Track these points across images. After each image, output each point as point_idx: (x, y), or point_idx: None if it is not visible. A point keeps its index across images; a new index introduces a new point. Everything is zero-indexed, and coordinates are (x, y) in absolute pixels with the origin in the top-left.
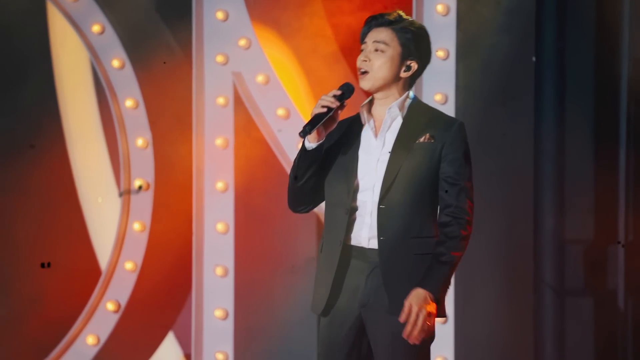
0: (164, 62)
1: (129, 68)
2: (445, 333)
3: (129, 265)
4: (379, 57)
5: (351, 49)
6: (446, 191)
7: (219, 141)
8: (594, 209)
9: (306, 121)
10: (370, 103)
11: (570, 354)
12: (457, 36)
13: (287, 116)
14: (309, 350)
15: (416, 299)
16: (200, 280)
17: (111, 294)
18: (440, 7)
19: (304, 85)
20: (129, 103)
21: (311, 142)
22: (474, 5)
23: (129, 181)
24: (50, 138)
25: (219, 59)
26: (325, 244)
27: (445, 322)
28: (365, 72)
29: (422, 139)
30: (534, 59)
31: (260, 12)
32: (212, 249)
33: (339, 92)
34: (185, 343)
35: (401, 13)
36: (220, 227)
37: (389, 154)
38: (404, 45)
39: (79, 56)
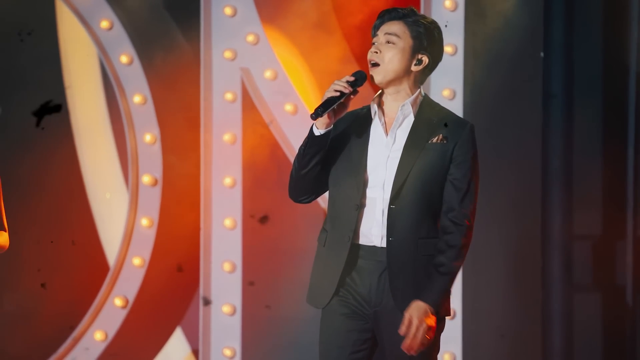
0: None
1: (137, 64)
2: (453, 328)
3: (136, 261)
4: (390, 49)
5: (359, 45)
6: (451, 194)
7: (227, 137)
8: (602, 205)
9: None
10: (380, 97)
11: (579, 349)
12: (465, 32)
13: (295, 112)
14: (317, 345)
15: (417, 312)
16: (208, 276)
17: (119, 289)
18: (448, 3)
19: (311, 81)
20: (137, 99)
21: (319, 128)
22: (482, 0)
23: (137, 177)
24: (59, 134)
25: (227, 54)
26: (330, 238)
27: (453, 317)
28: (375, 64)
29: (435, 140)
30: (542, 54)
31: (268, 7)
32: (220, 245)
33: (352, 78)
34: (193, 339)
35: (414, 9)
36: (228, 222)
37: (400, 152)
38: (415, 38)
39: (88, 52)
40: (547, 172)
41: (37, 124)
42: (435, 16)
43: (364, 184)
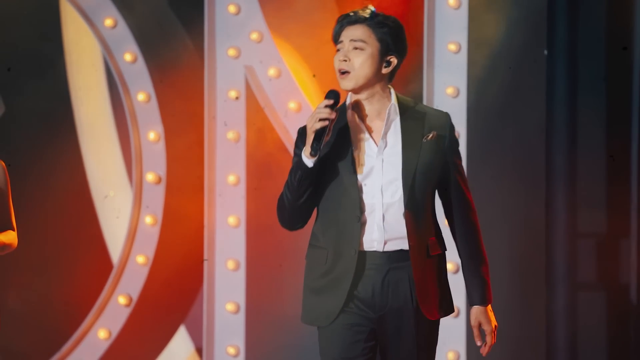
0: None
1: (141, 62)
2: (456, 327)
3: (140, 259)
4: (358, 55)
5: None
6: (459, 186)
7: (230, 134)
8: (606, 203)
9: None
10: (355, 103)
11: (583, 348)
12: (469, 29)
13: (299, 109)
14: None
15: (484, 317)
16: (212, 274)
17: (123, 287)
18: (452, 1)
19: (316, 78)
20: (141, 97)
21: (310, 158)
22: None
23: (141, 175)
24: (63, 132)
25: (231, 52)
26: (333, 254)
27: (457, 315)
28: (346, 72)
29: (429, 137)
30: (545, 52)
31: (272, 5)
32: (224, 243)
33: (331, 102)
34: (196, 337)
35: (372, 8)
36: (232, 220)
37: (398, 155)
38: (381, 40)
39: (92, 50)
40: (551, 170)
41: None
42: (439, 14)
43: (358, 192)
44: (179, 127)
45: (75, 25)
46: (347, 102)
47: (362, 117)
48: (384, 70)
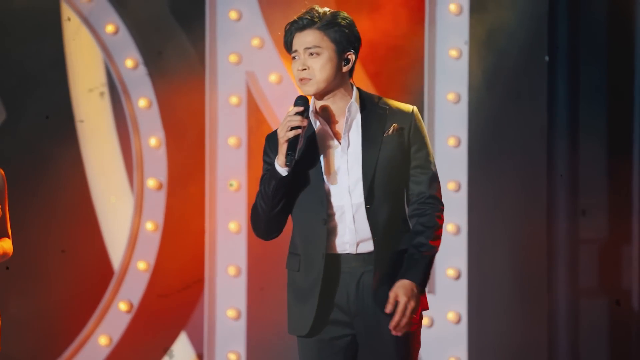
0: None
1: (142, 68)
2: (458, 333)
3: (141, 265)
4: (316, 60)
5: (364, 48)
6: (419, 180)
7: (231, 140)
8: (607, 209)
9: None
10: (317, 105)
11: (585, 355)
12: (470, 35)
13: None
14: None
15: (402, 290)
16: (213, 280)
17: (124, 294)
18: (452, 7)
19: None
20: (142, 103)
21: (283, 168)
22: (486, 4)
23: (142, 181)
24: (64, 138)
25: (232, 58)
26: (304, 259)
27: (458, 322)
28: (306, 79)
29: (390, 131)
30: (547, 58)
31: (273, 11)
32: (225, 249)
33: (301, 109)
34: (197, 343)
35: (316, 8)
36: (233, 226)
37: (359, 153)
38: (335, 41)
39: (93, 56)
40: (553, 176)
41: None
42: (440, 20)
43: (326, 195)
44: (180, 133)
45: (76, 31)
46: (311, 106)
47: (327, 118)
48: (344, 69)
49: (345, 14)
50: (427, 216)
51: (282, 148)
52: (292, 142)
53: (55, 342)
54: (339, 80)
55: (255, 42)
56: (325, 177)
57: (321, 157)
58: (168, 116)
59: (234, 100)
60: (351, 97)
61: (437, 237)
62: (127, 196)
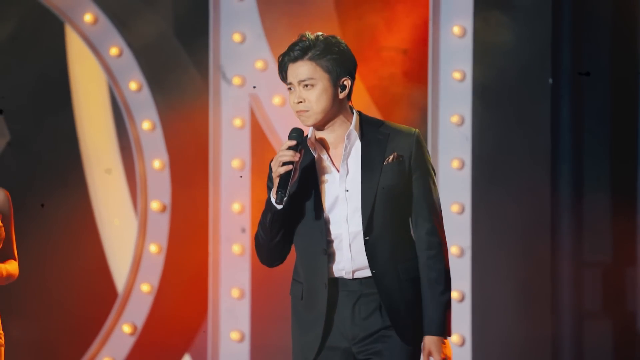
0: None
1: (146, 90)
2: (462, 355)
3: (145, 288)
4: (311, 92)
5: (367, 70)
6: (421, 208)
7: (235, 163)
8: (611, 231)
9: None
10: (316, 133)
11: None
12: (474, 58)
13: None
14: None
15: (434, 346)
16: (217, 302)
17: (127, 316)
18: (456, 29)
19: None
20: (146, 125)
21: (279, 201)
22: (490, 27)
23: (146, 203)
24: (68, 160)
25: (236, 81)
26: (307, 288)
27: (462, 344)
28: (303, 111)
29: (390, 159)
30: (550, 80)
31: (277, 34)
32: (229, 271)
33: (293, 143)
34: None
35: (308, 36)
36: (236, 249)
37: (358, 182)
38: (329, 70)
39: (97, 79)
40: (557, 198)
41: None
42: (443, 43)
43: (325, 224)
44: (183, 156)
45: (80, 54)
46: (310, 134)
47: (325, 146)
48: (341, 95)
49: (337, 39)
50: (436, 257)
51: (275, 182)
52: (284, 178)
53: None
54: (337, 107)
55: (259, 64)
56: (324, 205)
57: (319, 186)
58: (172, 139)
59: (237, 122)
60: (351, 123)
61: (449, 277)
62: (130, 218)
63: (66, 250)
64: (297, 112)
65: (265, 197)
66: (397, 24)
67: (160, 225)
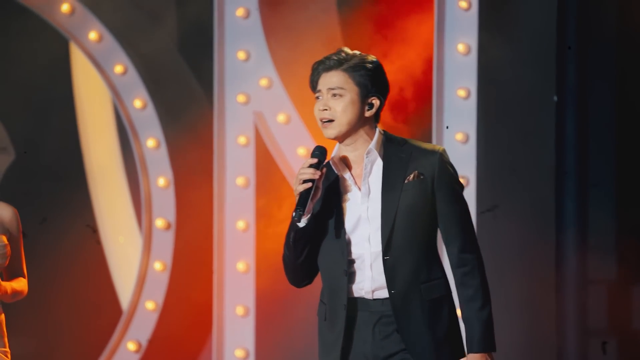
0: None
1: (150, 108)
2: None
3: (150, 305)
4: (338, 102)
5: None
6: (449, 227)
7: (240, 180)
8: (616, 249)
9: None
10: (340, 152)
11: None
12: (478, 75)
13: (308, 156)
14: None
15: None
16: (221, 320)
17: (132, 333)
18: (461, 47)
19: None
20: (150, 143)
21: (302, 219)
22: (494, 44)
23: (150, 221)
24: (73, 177)
25: (240, 98)
26: (329, 309)
27: None
28: (328, 121)
29: (411, 178)
30: (555, 98)
31: (282, 51)
32: (233, 289)
33: (315, 161)
34: None
35: (346, 50)
36: (241, 266)
37: (379, 201)
38: (360, 84)
39: (102, 96)
40: (561, 216)
41: None
42: (449, 61)
43: (347, 245)
44: (188, 173)
45: (85, 71)
46: (334, 153)
47: (348, 165)
48: (367, 114)
49: (374, 58)
50: (470, 274)
51: (296, 199)
52: (303, 196)
53: None
54: (362, 124)
55: (264, 82)
56: (345, 225)
57: (342, 205)
58: (176, 156)
59: (242, 140)
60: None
61: (487, 290)
62: (135, 236)
63: (71, 268)
64: (321, 120)
65: (272, 212)
66: (402, 44)
67: (165, 243)
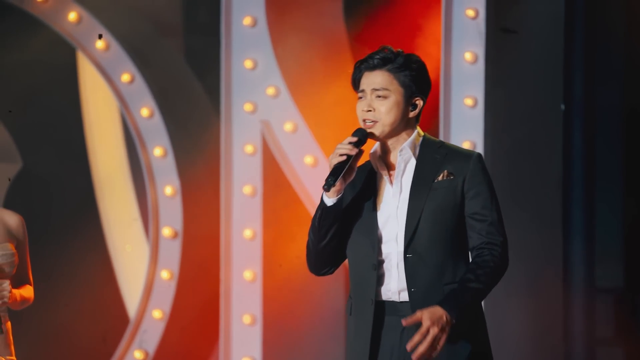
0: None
1: (158, 117)
2: None
3: (157, 314)
4: (383, 103)
5: None
6: (475, 229)
7: (247, 189)
8: (624, 257)
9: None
10: (379, 148)
11: None
12: (485, 84)
13: (315, 164)
14: None
15: (429, 314)
16: (228, 329)
17: (139, 342)
18: (468, 55)
19: (332, 133)
20: (157, 151)
21: (330, 197)
22: (502, 53)
23: (157, 229)
24: (80, 186)
25: (247, 107)
26: (355, 304)
27: None
28: (372, 122)
29: (440, 177)
30: (562, 106)
31: (288, 60)
32: (240, 297)
33: (355, 139)
34: None
35: (390, 48)
36: (248, 275)
37: (407, 200)
38: (404, 85)
39: (109, 105)
40: (569, 224)
41: None
42: (455, 69)
43: (378, 241)
44: (195, 182)
45: (92, 80)
46: (373, 149)
47: (387, 162)
48: (411, 114)
49: (418, 58)
50: (483, 257)
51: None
52: (337, 168)
53: None
54: (404, 124)
55: (271, 91)
56: (378, 223)
57: (376, 201)
58: (183, 165)
59: (249, 149)
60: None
61: (489, 278)
62: (142, 245)
63: (78, 276)
64: (363, 120)
65: (279, 221)
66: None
67: (172, 252)
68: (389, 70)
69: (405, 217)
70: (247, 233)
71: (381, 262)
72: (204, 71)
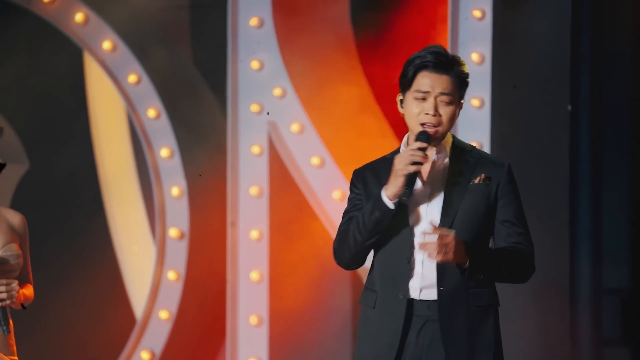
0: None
1: (164, 118)
2: None
3: (163, 315)
4: (447, 110)
5: (385, 98)
6: (505, 233)
7: (253, 190)
8: (630, 258)
9: (341, 170)
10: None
11: None
12: (492, 85)
13: (322, 165)
14: None
15: (449, 232)
16: (235, 330)
17: (146, 343)
18: (475, 56)
19: (339, 133)
20: (164, 152)
21: (392, 200)
22: (508, 53)
23: (164, 230)
24: (86, 187)
25: (254, 108)
26: (382, 297)
27: None
28: (434, 127)
29: (477, 180)
30: (569, 107)
31: (295, 61)
32: (247, 298)
33: (424, 145)
34: None
35: (445, 50)
36: (254, 275)
37: (440, 199)
38: (461, 94)
39: (115, 106)
40: (575, 225)
41: None
42: None
43: (410, 235)
44: (202, 183)
45: (99, 81)
46: (403, 145)
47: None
48: (457, 118)
49: (463, 61)
50: (522, 251)
51: (398, 181)
52: (411, 177)
53: None
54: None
55: (277, 91)
56: (409, 219)
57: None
58: (190, 166)
59: (255, 149)
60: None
61: (524, 263)
62: (149, 245)
63: (84, 277)
64: (423, 123)
65: (286, 222)
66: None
67: (179, 252)
68: (455, 77)
69: (435, 216)
70: (254, 234)
71: (412, 256)
72: (210, 72)
